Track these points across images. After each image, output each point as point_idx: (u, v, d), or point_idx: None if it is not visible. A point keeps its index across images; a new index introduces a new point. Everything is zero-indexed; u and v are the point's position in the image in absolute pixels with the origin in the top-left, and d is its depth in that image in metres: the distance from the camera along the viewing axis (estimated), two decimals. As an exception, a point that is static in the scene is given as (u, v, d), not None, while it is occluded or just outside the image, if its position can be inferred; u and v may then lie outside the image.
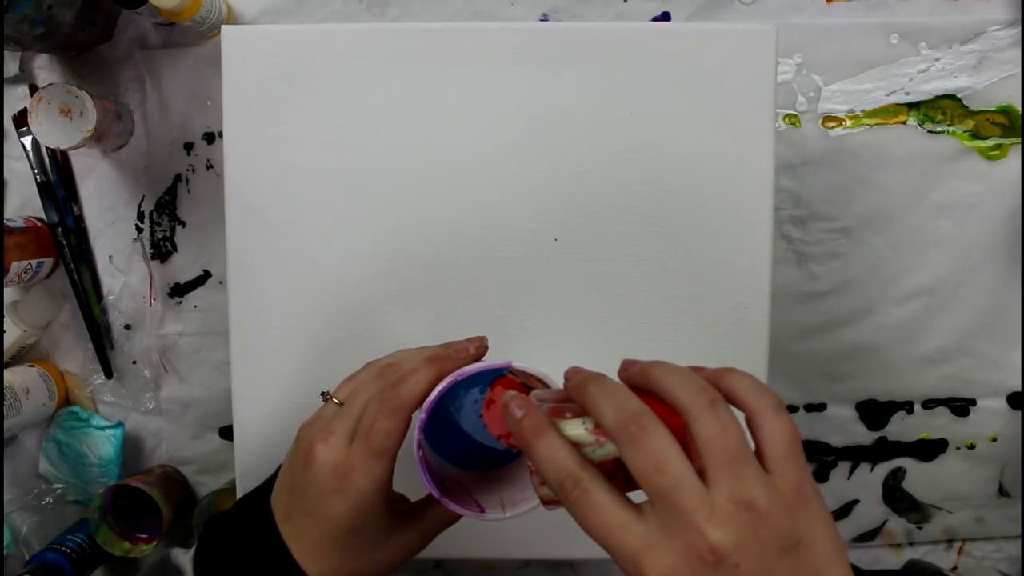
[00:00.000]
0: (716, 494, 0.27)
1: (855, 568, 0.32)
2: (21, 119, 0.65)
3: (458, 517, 0.37)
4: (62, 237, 0.65)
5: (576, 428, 0.31)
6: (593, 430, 0.31)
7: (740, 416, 0.30)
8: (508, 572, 0.70)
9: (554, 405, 0.33)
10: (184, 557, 0.63)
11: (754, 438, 0.29)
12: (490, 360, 0.36)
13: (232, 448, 0.52)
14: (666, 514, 0.28)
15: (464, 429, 0.41)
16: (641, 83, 0.49)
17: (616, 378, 0.33)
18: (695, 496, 0.27)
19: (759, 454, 0.29)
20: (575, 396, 0.32)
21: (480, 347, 0.38)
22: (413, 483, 0.37)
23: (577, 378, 0.33)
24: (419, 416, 0.34)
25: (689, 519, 0.27)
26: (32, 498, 0.67)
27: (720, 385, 0.31)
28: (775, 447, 0.29)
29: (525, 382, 0.37)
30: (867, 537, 0.70)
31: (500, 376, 0.39)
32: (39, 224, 0.65)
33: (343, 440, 0.35)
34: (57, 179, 0.65)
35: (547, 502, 0.32)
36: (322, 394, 0.39)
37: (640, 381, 0.32)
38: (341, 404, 0.37)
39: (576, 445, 0.31)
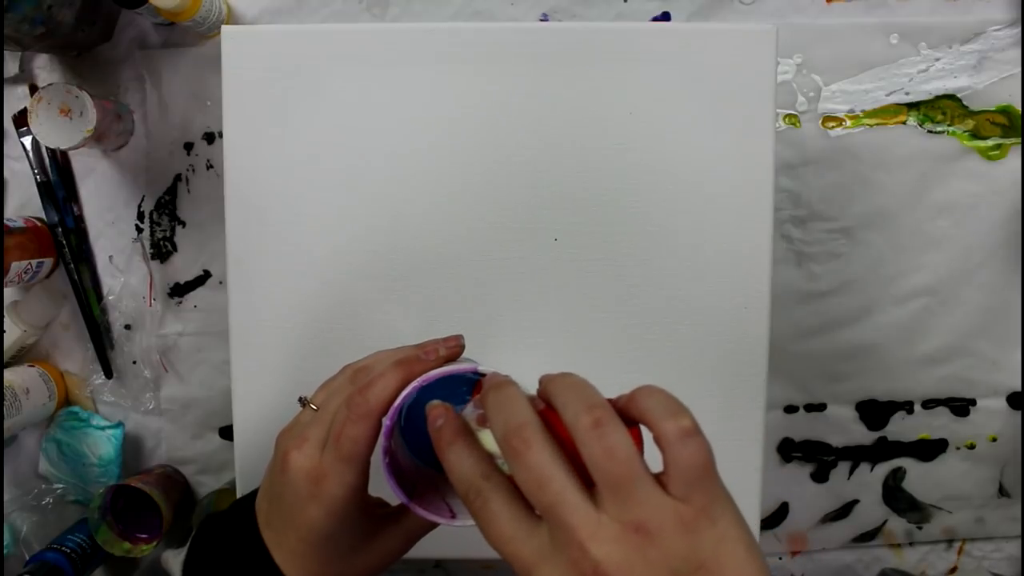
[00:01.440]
0: (603, 513, 0.27)
1: None
2: (21, 119, 0.65)
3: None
4: (62, 237, 0.65)
5: (490, 438, 0.31)
6: None
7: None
8: (508, 572, 0.70)
9: (483, 412, 0.32)
10: (175, 560, 0.63)
11: (663, 462, 0.28)
12: (459, 364, 0.35)
13: (232, 448, 0.52)
14: (554, 530, 0.27)
15: None
16: (641, 83, 0.49)
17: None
18: (577, 512, 0.27)
19: (665, 478, 0.28)
20: (480, 403, 0.32)
21: (455, 347, 0.37)
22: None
23: (486, 386, 0.32)
24: (385, 423, 0.34)
25: (572, 535, 0.27)
26: (32, 498, 0.67)
27: (630, 405, 0.29)
28: (680, 475, 0.27)
29: None
30: (867, 537, 0.70)
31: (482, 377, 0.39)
32: (39, 224, 0.65)
33: (316, 447, 0.35)
34: (57, 179, 0.65)
35: None
36: (299, 399, 0.38)
37: (542, 394, 0.31)
38: (317, 409, 0.37)
39: (494, 456, 0.31)
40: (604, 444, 0.27)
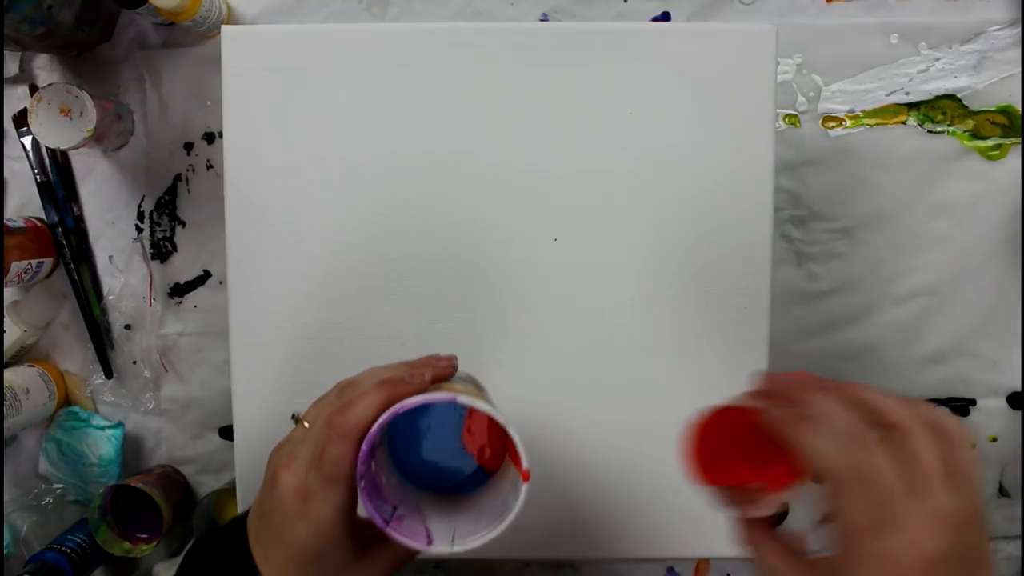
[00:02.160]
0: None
1: None
2: (21, 119, 0.65)
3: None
4: (62, 237, 0.65)
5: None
6: None
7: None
8: (508, 572, 0.70)
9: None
10: (166, 573, 0.62)
11: None
12: (437, 393, 0.34)
13: (232, 448, 0.52)
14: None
15: (435, 446, 0.40)
16: (641, 83, 0.49)
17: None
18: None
19: None
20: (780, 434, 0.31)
21: (446, 367, 0.37)
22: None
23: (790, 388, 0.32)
24: (363, 447, 0.33)
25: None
26: (32, 498, 0.67)
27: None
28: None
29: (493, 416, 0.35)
30: (867, 537, 0.70)
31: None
32: (39, 224, 0.65)
33: (304, 465, 0.34)
34: (57, 179, 0.65)
35: None
36: (292, 416, 0.38)
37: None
38: (308, 426, 0.36)
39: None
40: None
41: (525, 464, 0.33)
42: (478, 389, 0.40)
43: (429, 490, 0.40)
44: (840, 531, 0.29)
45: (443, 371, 0.37)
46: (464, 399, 0.34)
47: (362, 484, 0.33)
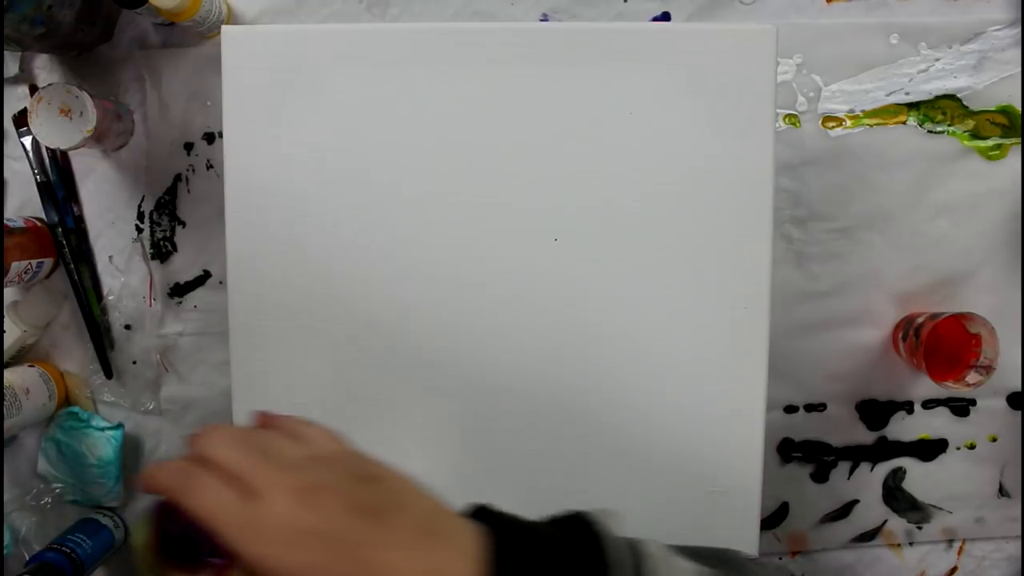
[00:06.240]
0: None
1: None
2: (21, 119, 0.65)
3: None
4: (62, 237, 0.65)
5: None
6: None
7: None
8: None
9: None
10: None
11: None
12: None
13: (232, 448, 0.52)
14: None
15: None
16: (641, 83, 0.49)
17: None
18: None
19: None
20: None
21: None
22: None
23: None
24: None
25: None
26: (31, 498, 0.67)
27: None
28: None
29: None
30: (867, 537, 0.70)
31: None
32: (39, 224, 0.65)
33: None
34: (57, 179, 0.65)
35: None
36: None
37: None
38: None
39: None
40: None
41: None
42: None
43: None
44: (202, 519, 0.30)
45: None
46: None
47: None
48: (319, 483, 0.30)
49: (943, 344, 0.63)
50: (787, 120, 0.66)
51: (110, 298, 0.67)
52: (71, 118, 0.58)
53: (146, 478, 0.32)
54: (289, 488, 0.29)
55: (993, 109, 0.66)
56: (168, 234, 0.67)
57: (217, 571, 0.32)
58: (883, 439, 0.68)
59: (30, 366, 0.66)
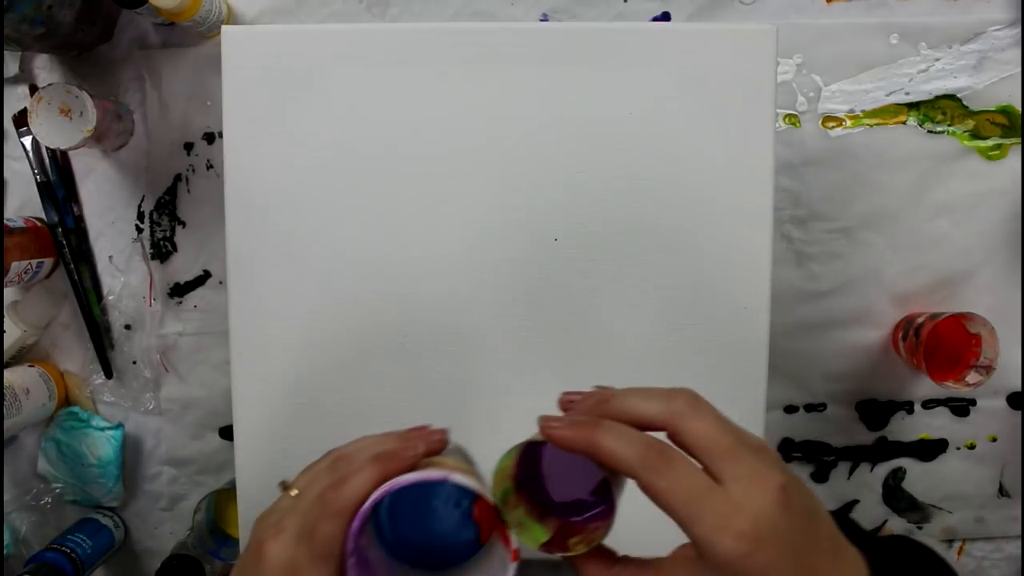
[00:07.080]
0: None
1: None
2: (21, 119, 0.65)
3: None
4: (62, 237, 0.65)
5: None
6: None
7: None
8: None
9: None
10: None
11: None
12: (429, 471, 0.34)
13: (232, 448, 0.52)
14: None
15: (426, 526, 0.38)
16: (641, 83, 0.49)
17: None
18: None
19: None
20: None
21: (437, 441, 0.36)
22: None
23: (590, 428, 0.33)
24: (354, 524, 0.32)
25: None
26: (31, 498, 0.67)
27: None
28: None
29: (503, 512, 0.34)
30: (867, 537, 0.70)
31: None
32: (39, 224, 0.65)
33: (292, 538, 0.33)
34: (57, 179, 0.65)
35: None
36: (280, 483, 0.37)
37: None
38: (296, 494, 0.35)
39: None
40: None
41: (515, 543, 0.33)
42: (467, 462, 0.39)
43: (416, 565, 0.38)
44: (669, 504, 0.30)
45: (435, 445, 0.36)
46: (458, 478, 0.33)
47: (352, 560, 0.32)
48: (788, 482, 0.29)
49: (943, 344, 0.63)
50: (787, 120, 0.66)
51: (110, 298, 0.67)
52: (71, 118, 0.58)
53: (598, 444, 0.31)
54: (775, 486, 0.28)
55: (993, 109, 0.66)
56: (168, 234, 0.67)
57: (560, 527, 0.34)
58: (883, 439, 0.68)
59: (30, 366, 0.66)
